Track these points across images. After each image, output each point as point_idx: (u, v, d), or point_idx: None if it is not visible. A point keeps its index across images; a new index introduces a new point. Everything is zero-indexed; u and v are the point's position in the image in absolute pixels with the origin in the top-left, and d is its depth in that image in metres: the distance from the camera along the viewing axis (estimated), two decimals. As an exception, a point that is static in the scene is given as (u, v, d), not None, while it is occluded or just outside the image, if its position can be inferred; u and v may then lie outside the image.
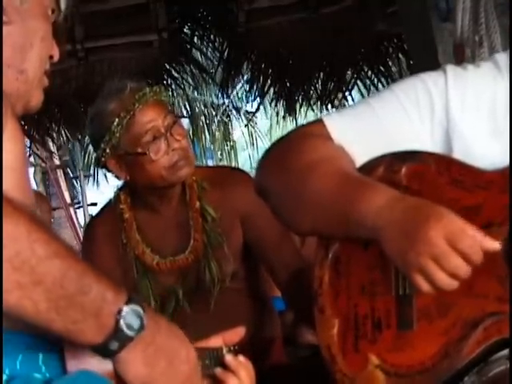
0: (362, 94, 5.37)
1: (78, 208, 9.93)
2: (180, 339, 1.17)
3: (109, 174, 2.40)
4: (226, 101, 6.12)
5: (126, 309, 1.07)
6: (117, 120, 2.22)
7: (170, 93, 5.20)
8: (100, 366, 1.12)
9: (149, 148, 2.21)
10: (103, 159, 2.29)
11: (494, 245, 1.34)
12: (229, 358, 1.33)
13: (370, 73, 5.18)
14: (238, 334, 1.38)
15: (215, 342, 1.35)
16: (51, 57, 1.30)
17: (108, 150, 2.26)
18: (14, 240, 0.99)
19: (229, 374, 1.32)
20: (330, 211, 1.48)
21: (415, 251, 1.34)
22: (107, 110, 2.24)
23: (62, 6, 1.34)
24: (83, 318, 1.04)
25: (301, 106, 5.47)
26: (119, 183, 2.45)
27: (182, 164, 2.23)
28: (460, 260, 1.33)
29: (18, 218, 1.00)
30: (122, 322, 1.07)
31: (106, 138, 2.25)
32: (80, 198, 10.21)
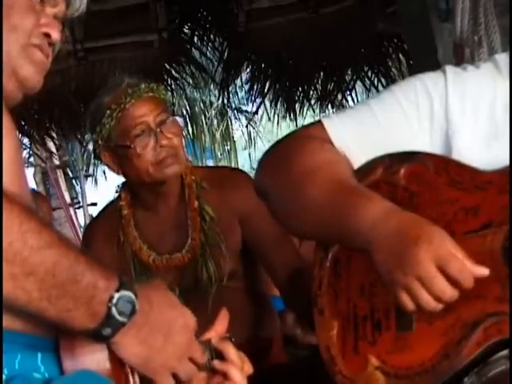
0: (361, 95, 5.37)
1: (78, 208, 9.94)
2: (176, 308, 1.20)
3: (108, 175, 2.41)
4: (226, 101, 6.11)
5: (117, 296, 1.09)
6: (108, 112, 2.26)
7: (170, 93, 5.21)
8: (97, 365, 1.12)
9: (136, 142, 2.22)
10: (97, 151, 2.34)
11: (483, 271, 1.34)
12: (225, 346, 1.33)
13: (370, 73, 5.18)
14: (224, 319, 1.38)
15: (209, 335, 1.35)
16: (48, 35, 1.30)
17: (100, 142, 2.30)
18: (6, 231, 0.99)
19: (229, 365, 1.32)
20: (326, 218, 1.48)
21: (403, 271, 1.34)
22: (102, 103, 2.29)
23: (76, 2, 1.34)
24: (75, 306, 1.06)
25: (301, 107, 5.47)
26: (119, 183, 2.46)
27: (169, 161, 2.24)
28: (445, 284, 1.33)
29: (10, 210, 1.01)
30: (113, 309, 1.08)
31: (97, 130, 2.29)
32: (80, 198, 10.21)
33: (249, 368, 1.36)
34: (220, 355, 1.33)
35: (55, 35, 1.30)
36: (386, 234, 1.38)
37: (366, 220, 1.40)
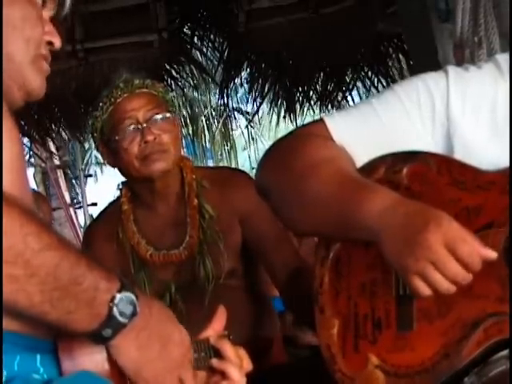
0: (361, 95, 5.37)
1: (78, 208, 9.95)
2: (173, 323, 1.19)
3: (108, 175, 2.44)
4: (226, 101, 6.11)
5: (118, 296, 1.08)
6: (100, 105, 2.29)
7: (170, 93, 5.20)
8: (96, 366, 1.12)
9: (123, 136, 2.25)
10: (96, 144, 2.39)
11: (491, 254, 1.34)
12: (222, 344, 1.32)
13: (370, 73, 5.18)
14: (221, 316, 1.38)
15: (207, 334, 1.35)
16: (51, 43, 1.30)
17: (96, 135, 2.34)
18: (7, 234, 0.99)
19: (227, 364, 1.31)
20: (330, 213, 1.48)
21: (414, 256, 1.34)
22: (100, 98, 2.32)
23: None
24: (77, 308, 1.05)
25: (301, 107, 5.47)
26: (119, 182, 2.47)
27: (155, 157, 2.24)
28: (459, 267, 1.33)
29: (10, 212, 1.00)
30: (115, 309, 1.08)
31: (91, 123, 2.34)
32: (80, 198, 10.23)
33: (248, 365, 1.35)
34: (218, 353, 1.33)
35: (58, 43, 1.30)
36: (393, 223, 1.38)
37: (372, 211, 1.40)
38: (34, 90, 1.27)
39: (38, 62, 1.26)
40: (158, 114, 2.27)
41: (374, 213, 1.40)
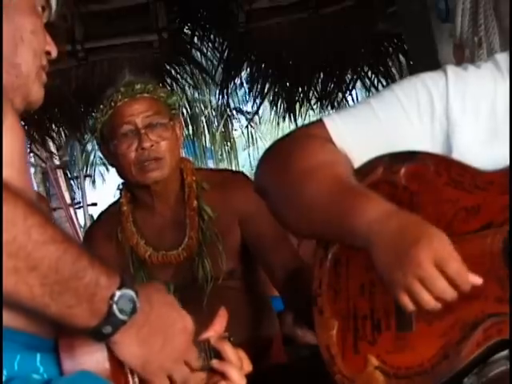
0: (361, 95, 5.37)
1: (78, 208, 9.96)
2: (175, 311, 1.20)
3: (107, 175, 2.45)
4: (226, 101, 6.11)
5: (118, 293, 1.08)
6: (101, 107, 2.30)
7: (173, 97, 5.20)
8: (97, 365, 1.12)
9: (121, 140, 2.25)
10: (98, 145, 2.43)
11: (477, 280, 1.34)
12: (223, 346, 1.33)
13: (370, 73, 5.19)
14: (222, 318, 1.38)
15: (208, 335, 1.35)
16: (49, 53, 1.30)
17: (96, 134, 2.35)
18: (10, 225, 0.99)
19: (227, 365, 1.32)
20: (325, 218, 1.48)
21: (403, 271, 1.34)
22: (101, 99, 2.33)
23: (53, 4, 1.34)
24: (77, 303, 1.05)
25: (301, 107, 5.47)
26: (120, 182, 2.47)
27: (152, 167, 2.25)
28: (447, 285, 1.33)
29: (14, 204, 1.00)
30: (114, 306, 1.08)
31: (91, 123, 2.38)
32: (80, 198, 10.24)
33: (248, 366, 1.35)
34: (218, 355, 1.33)
35: (55, 53, 1.31)
36: (385, 235, 1.38)
37: (365, 220, 1.40)
38: (36, 100, 1.28)
39: (40, 74, 1.27)
40: (156, 120, 2.27)
41: (367, 222, 1.40)
